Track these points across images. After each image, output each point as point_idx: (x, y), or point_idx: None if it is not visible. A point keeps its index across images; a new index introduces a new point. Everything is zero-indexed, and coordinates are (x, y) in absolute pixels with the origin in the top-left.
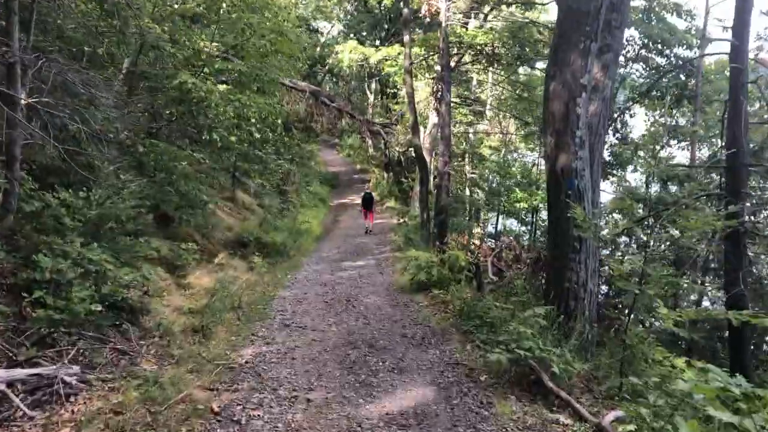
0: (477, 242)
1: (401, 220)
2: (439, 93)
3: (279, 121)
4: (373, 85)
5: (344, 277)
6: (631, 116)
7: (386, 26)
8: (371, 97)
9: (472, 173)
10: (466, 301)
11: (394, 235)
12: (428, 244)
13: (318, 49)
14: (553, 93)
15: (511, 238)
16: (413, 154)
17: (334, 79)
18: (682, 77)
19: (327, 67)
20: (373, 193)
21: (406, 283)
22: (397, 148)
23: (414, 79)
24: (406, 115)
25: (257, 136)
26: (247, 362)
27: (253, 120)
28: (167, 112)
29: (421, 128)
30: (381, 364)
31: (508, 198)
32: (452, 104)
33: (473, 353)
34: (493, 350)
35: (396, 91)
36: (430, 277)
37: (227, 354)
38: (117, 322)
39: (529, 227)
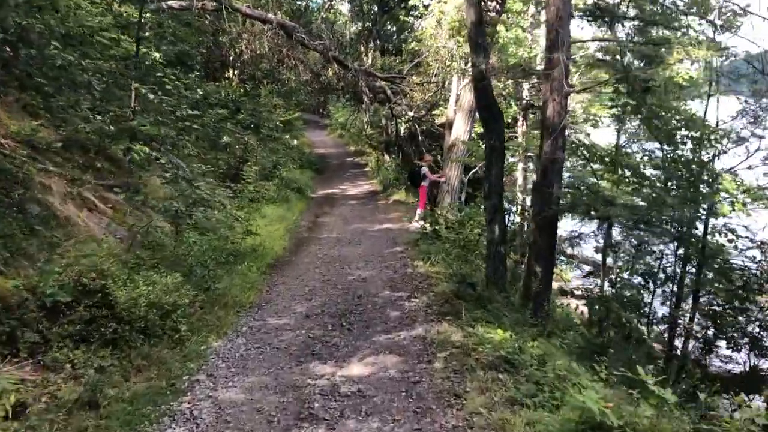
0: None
1: (421, 226)
2: None
3: None
4: (371, 44)
5: None
6: None
7: None
8: (369, 59)
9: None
10: None
11: (423, 262)
12: (510, 297)
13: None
14: None
15: None
16: (435, 124)
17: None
18: None
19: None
20: (423, 169)
21: None
22: (411, 114)
23: None
24: (427, 59)
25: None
26: None
27: None
28: None
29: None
30: None
31: (713, 192)
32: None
33: None
34: None
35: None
36: None
37: None
38: None
39: (669, 250)
